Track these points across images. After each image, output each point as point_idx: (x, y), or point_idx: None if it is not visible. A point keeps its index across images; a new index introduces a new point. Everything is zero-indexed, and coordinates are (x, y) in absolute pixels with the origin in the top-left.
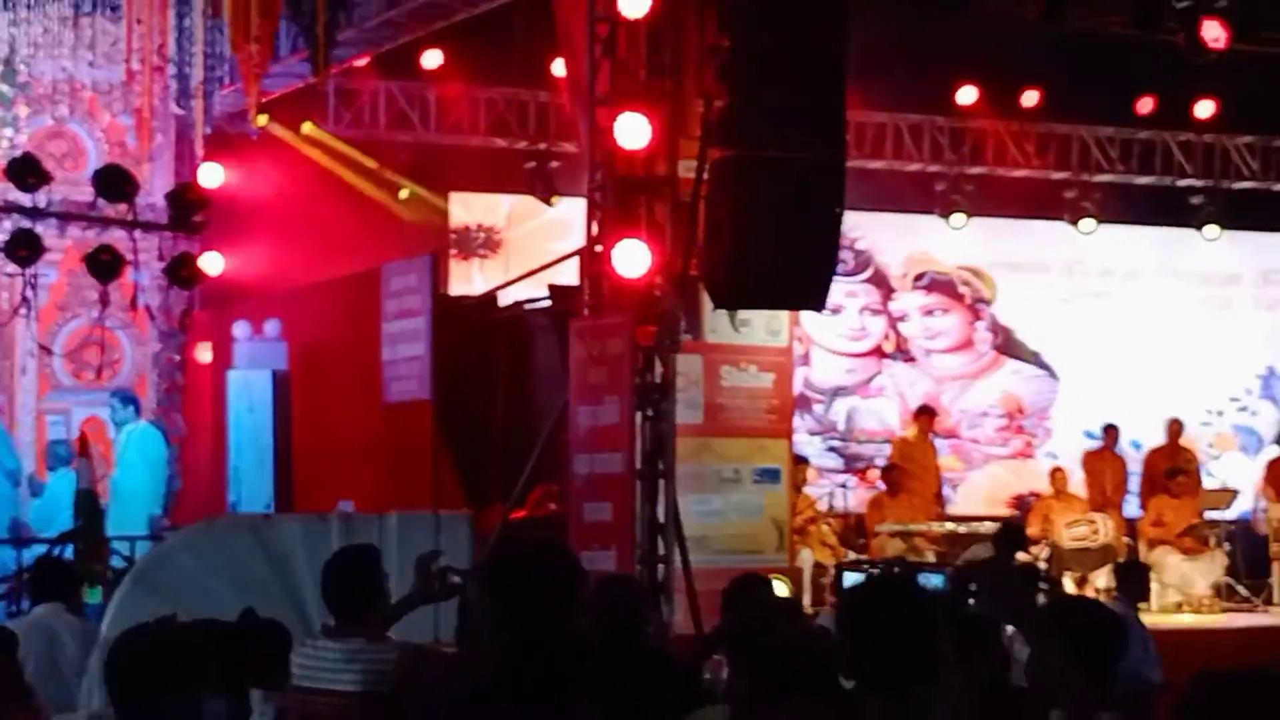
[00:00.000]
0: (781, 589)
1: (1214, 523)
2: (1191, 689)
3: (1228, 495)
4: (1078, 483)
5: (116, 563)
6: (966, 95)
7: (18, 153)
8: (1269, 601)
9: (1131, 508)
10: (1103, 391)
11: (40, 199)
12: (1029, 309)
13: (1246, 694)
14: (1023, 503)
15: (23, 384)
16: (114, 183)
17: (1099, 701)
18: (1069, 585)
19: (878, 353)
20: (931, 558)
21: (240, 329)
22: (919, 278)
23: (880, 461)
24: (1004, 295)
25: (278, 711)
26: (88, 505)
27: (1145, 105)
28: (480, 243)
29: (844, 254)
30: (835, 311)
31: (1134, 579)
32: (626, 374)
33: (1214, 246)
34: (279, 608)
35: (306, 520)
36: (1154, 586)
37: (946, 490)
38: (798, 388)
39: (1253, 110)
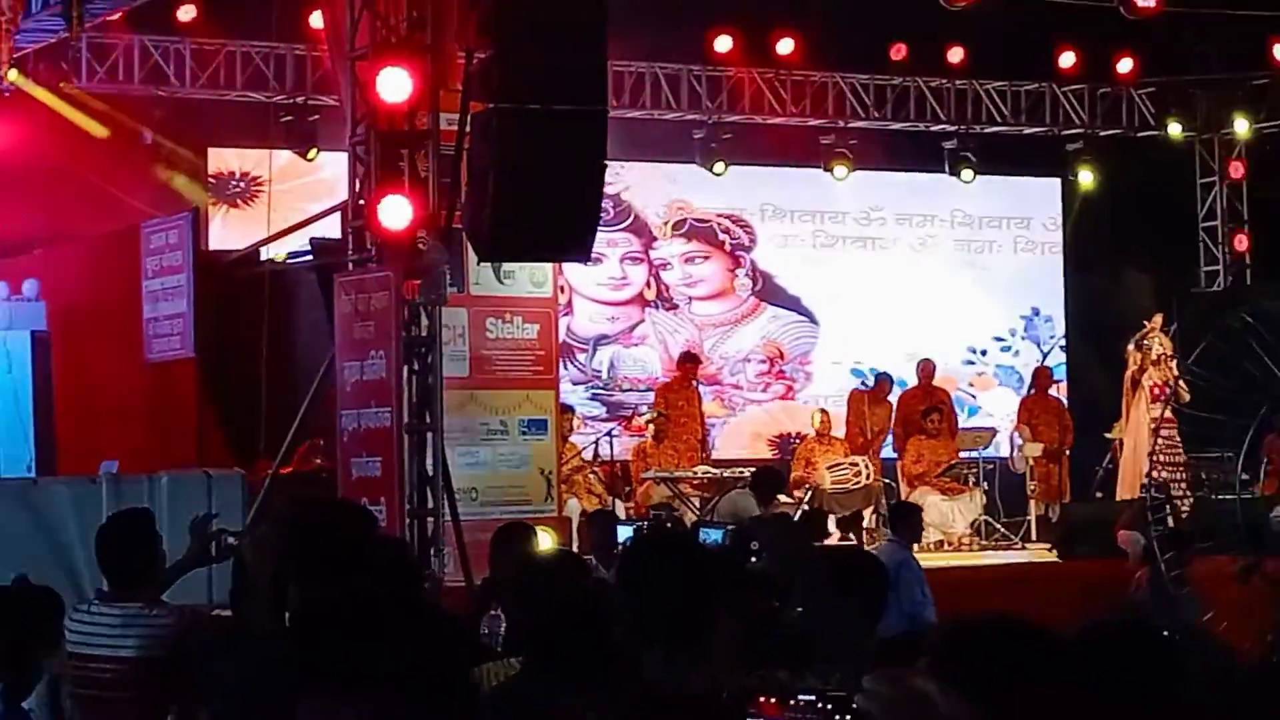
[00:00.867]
0: (548, 540)
1: (972, 462)
2: (941, 638)
3: (986, 435)
4: (838, 426)
5: None
6: (723, 44)
7: None
8: (1027, 539)
9: (888, 449)
10: (863, 336)
11: None
12: (788, 255)
13: (993, 640)
14: (785, 446)
15: None
16: None
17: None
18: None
19: (639, 301)
20: (697, 504)
21: None
22: (679, 225)
23: (644, 409)
24: (763, 242)
25: (52, 677)
26: None
27: (898, 52)
28: (239, 192)
29: (605, 203)
30: (596, 261)
31: (908, 521)
32: (392, 328)
33: (969, 190)
34: (50, 572)
35: (75, 483)
36: None
37: (710, 436)
38: (560, 337)
39: (1002, 56)
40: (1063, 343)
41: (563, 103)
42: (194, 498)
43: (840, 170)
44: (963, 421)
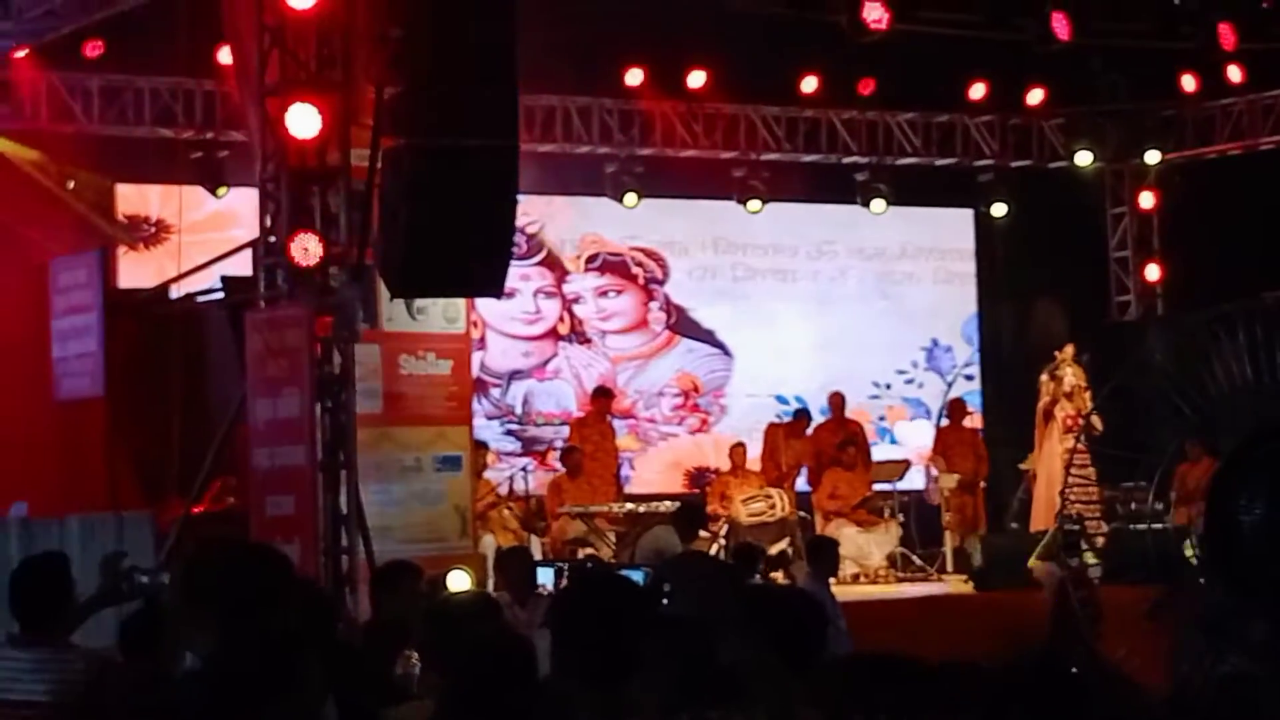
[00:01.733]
0: (464, 579)
1: (887, 494)
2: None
3: (900, 466)
4: (754, 460)
5: None
6: (634, 77)
7: None
8: (943, 570)
9: (801, 482)
10: (777, 368)
11: None
12: (702, 288)
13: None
14: (701, 480)
15: None
16: None
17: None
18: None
19: (553, 335)
20: (612, 538)
21: None
22: (592, 259)
23: (559, 444)
24: (676, 275)
25: None
26: None
27: (809, 84)
28: (150, 236)
29: (517, 238)
30: (509, 295)
31: (824, 555)
32: (305, 366)
33: (881, 222)
34: None
35: None
36: None
37: (625, 470)
38: (474, 372)
39: (913, 87)
40: (967, 373)
41: (474, 137)
42: (104, 539)
43: (753, 203)
44: (881, 452)
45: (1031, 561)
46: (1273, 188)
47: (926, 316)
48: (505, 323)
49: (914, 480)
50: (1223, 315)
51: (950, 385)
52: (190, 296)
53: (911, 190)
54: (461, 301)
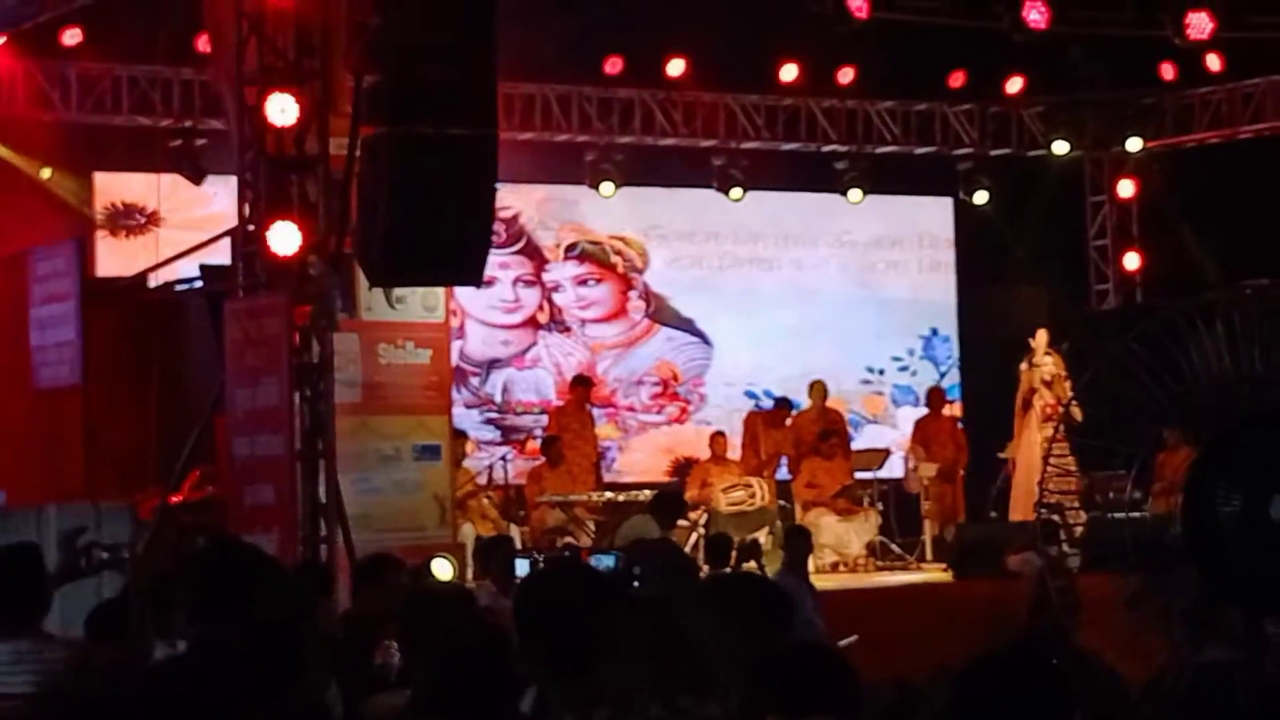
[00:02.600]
0: (446, 567)
1: (867, 483)
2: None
3: (879, 455)
4: (734, 448)
5: None
6: (613, 65)
7: None
8: (922, 559)
9: (782, 471)
10: (757, 357)
11: None
12: (681, 276)
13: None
14: (680, 469)
15: None
16: None
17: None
18: None
19: (532, 324)
20: (592, 527)
21: None
22: (571, 248)
23: (538, 433)
24: (656, 263)
25: None
26: None
27: (789, 72)
28: (136, 226)
29: (496, 226)
30: (489, 284)
31: (796, 545)
32: (284, 355)
33: (861, 210)
34: None
35: None
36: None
37: (605, 459)
38: (453, 361)
39: (892, 76)
40: (958, 362)
41: (453, 126)
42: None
43: (733, 191)
44: (866, 439)
45: (1009, 554)
46: (1251, 177)
47: (906, 305)
48: (484, 311)
49: (894, 469)
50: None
51: (943, 375)
52: (169, 285)
53: (891, 178)
54: (440, 290)
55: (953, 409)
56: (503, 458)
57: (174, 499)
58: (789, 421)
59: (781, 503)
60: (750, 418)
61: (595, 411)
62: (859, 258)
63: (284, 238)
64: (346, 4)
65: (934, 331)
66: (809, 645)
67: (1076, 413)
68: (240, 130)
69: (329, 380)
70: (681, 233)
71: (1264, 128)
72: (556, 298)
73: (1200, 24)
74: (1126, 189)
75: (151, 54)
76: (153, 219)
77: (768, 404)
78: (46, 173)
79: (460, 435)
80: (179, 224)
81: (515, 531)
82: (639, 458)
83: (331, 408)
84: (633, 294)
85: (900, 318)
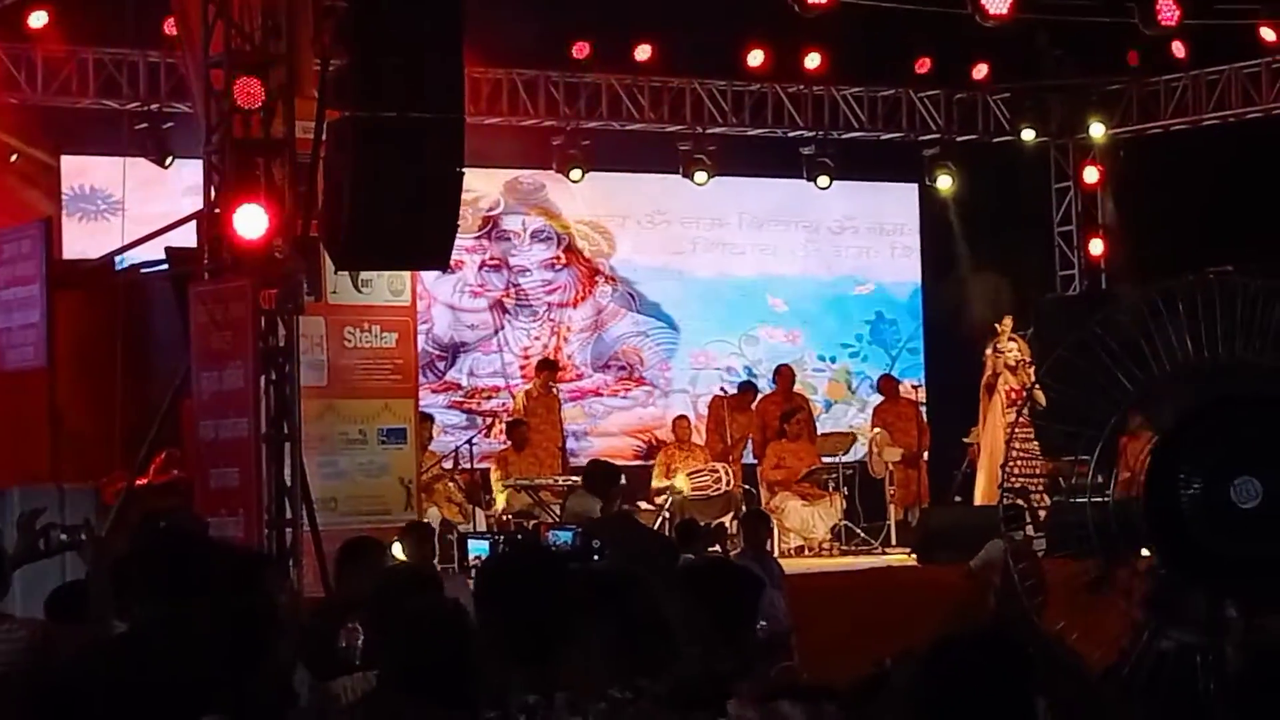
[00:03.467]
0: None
1: (832, 467)
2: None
3: (846, 439)
4: (698, 432)
5: None
6: (580, 50)
7: None
8: (887, 544)
9: (747, 456)
10: (723, 342)
11: None
12: (647, 261)
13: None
14: (646, 452)
15: None
16: None
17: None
18: None
19: (499, 308)
20: (557, 510)
21: None
22: (538, 232)
23: (504, 417)
24: (622, 248)
25: None
26: None
27: (755, 58)
28: (97, 210)
29: (463, 211)
30: (455, 268)
31: (754, 529)
32: (249, 338)
33: (826, 195)
34: None
35: None
36: (775, 532)
37: (570, 443)
38: (420, 345)
39: (859, 61)
40: (912, 346)
41: (419, 110)
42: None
43: (699, 176)
44: (832, 422)
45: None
46: (1216, 163)
47: (872, 290)
48: (451, 295)
49: (859, 452)
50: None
51: (894, 359)
52: (135, 268)
53: (857, 164)
54: (407, 274)
55: (915, 394)
56: (468, 441)
57: (139, 482)
58: (754, 405)
59: (747, 487)
60: (715, 402)
61: (561, 395)
62: (824, 242)
63: (250, 221)
64: None
65: (879, 315)
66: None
67: (1041, 397)
68: (206, 113)
69: (294, 363)
70: (648, 218)
71: (1228, 114)
72: (522, 282)
73: (1169, 9)
74: (1092, 175)
75: (118, 37)
76: (119, 202)
77: (733, 389)
78: (13, 156)
79: (426, 419)
80: (145, 207)
81: (480, 515)
82: (605, 441)
83: (297, 391)
84: (599, 279)
85: (866, 303)
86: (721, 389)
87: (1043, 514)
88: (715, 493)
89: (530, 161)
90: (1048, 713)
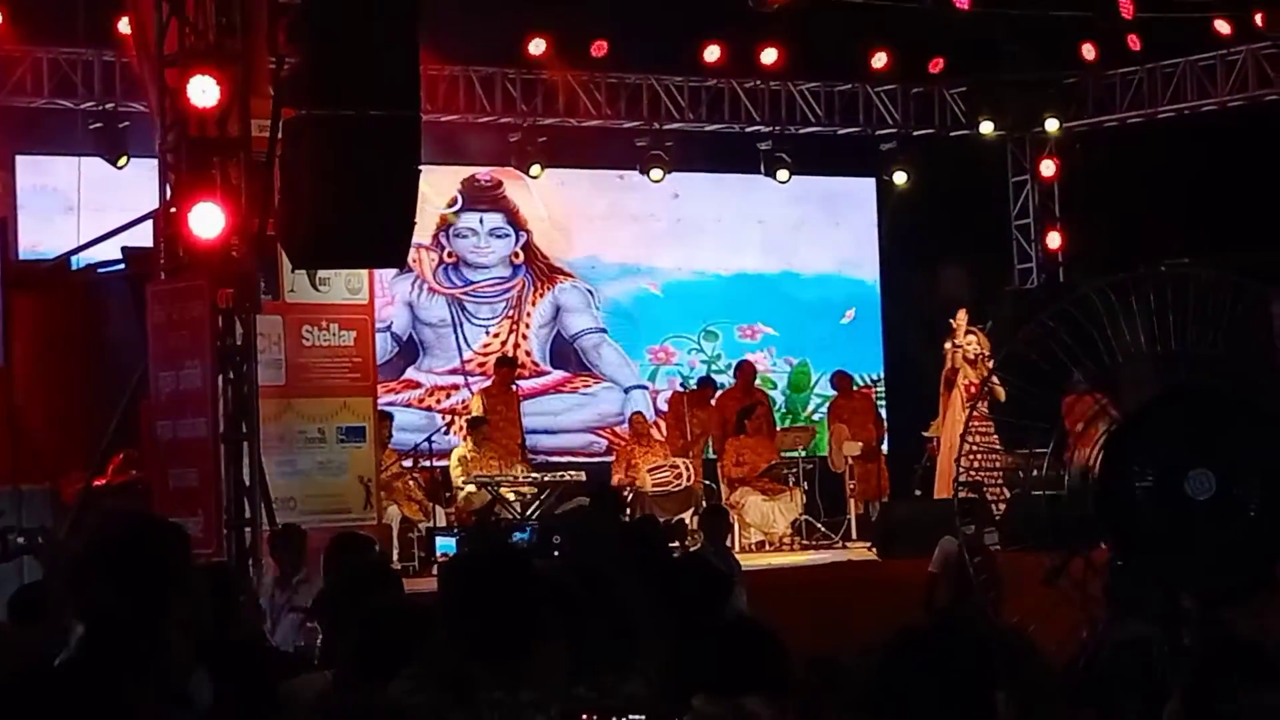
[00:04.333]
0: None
1: (791, 462)
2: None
3: (806, 434)
4: (657, 428)
5: None
6: (536, 46)
7: None
8: (847, 538)
9: (709, 452)
10: (682, 337)
11: None
12: (606, 258)
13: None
14: (606, 449)
15: None
16: None
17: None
18: None
19: (457, 305)
20: (519, 508)
21: None
22: (496, 230)
23: (464, 414)
24: (580, 245)
25: None
26: None
27: (712, 53)
28: (57, 209)
29: (421, 208)
30: (414, 266)
31: (713, 524)
32: (206, 337)
33: (783, 190)
34: None
35: None
36: (735, 527)
37: (530, 439)
38: (378, 342)
39: (815, 56)
40: (871, 340)
41: (375, 108)
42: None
43: (656, 172)
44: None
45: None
46: (1172, 156)
47: (830, 285)
48: (409, 293)
49: (818, 447)
50: (1121, 283)
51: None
52: (91, 268)
53: (814, 159)
54: (364, 272)
55: (869, 388)
56: (428, 439)
57: (97, 482)
58: (714, 401)
59: (707, 483)
60: (675, 398)
61: (520, 392)
62: (783, 238)
63: (206, 220)
64: None
65: (838, 310)
66: (739, 625)
67: (1000, 391)
68: (161, 112)
69: (252, 363)
70: (606, 214)
71: (1184, 107)
72: (481, 279)
73: (1127, 2)
74: (1048, 169)
75: (72, 36)
76: (74, 202)
77: (693, 384)
78: None
79: (385, 417)
80: (101, 207)
81: (440, 513)
82: (564, 438)
83: (255, 390)
84: (557, 275)
85: (824, 297)
86: (681, 385)
87: (999, 507)
88: (676, 488)
89: (488, 159)
90: (1006, 705)
